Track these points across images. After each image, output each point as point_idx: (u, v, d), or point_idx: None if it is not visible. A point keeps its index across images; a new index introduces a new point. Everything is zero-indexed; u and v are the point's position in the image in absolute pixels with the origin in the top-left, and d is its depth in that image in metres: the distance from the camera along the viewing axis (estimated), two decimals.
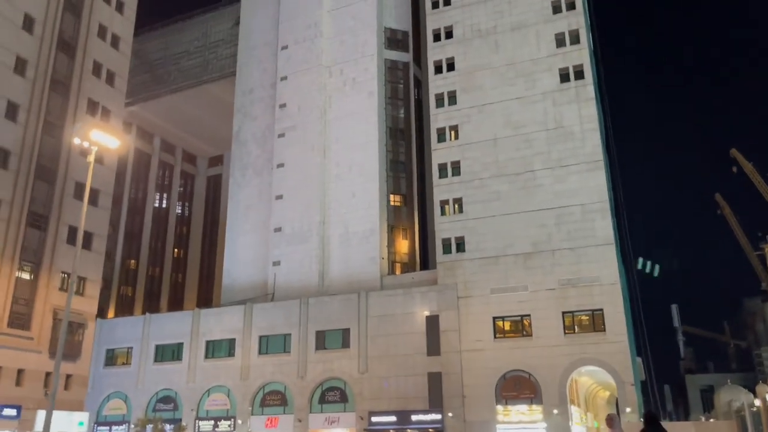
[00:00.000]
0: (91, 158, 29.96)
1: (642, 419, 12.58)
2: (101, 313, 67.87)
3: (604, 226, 46.20)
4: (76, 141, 30.05)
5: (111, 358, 57.51)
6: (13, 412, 37.19)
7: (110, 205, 46.85)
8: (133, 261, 75.59)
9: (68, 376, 41.27)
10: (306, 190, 59.06)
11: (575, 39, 51.17)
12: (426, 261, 57.93)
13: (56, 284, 40.45)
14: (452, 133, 53.25)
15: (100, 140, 29.98)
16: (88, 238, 44.02)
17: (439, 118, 53.91)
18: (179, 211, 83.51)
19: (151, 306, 73.19)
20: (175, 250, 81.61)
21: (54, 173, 41.87)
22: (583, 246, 46.24)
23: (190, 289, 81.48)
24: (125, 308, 72.52)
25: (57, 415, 38.68)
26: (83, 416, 41.44)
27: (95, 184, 44.89)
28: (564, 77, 50.63)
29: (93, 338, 44.76)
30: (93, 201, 44.71)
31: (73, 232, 42.37)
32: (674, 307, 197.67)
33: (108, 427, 54.21)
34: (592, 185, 47.58)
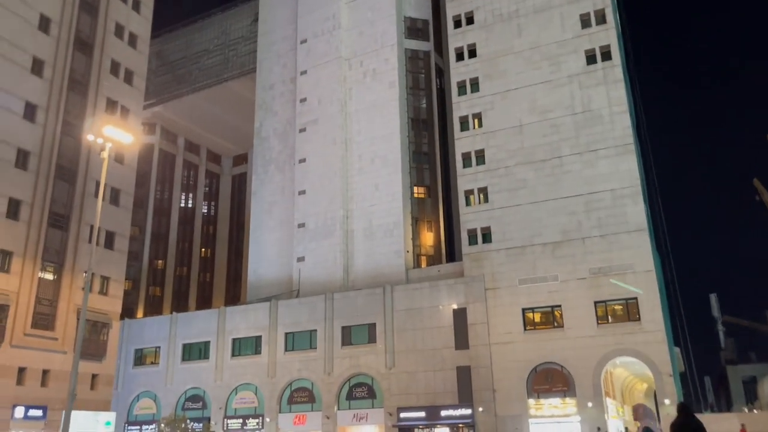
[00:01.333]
0: (105, 154, 29.45)
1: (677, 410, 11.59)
2: (130, 313, 68.45)
3: (637, 212, 44.37)
4: (90, 137, 29.64)
5: (140, 358, 57.65)
6: (39, 413, 37.21)
7: (131, 205, 46.66)
8: (160, 261, 75.93)
9: (94, 376, 41.19)
10: (329, 184, 58.29)
11: (601, 19, 49.30)
12: (452, 253, 56.68)
13: (79, 284, 40.32)
14: (475, 121, 51.85)
15: (114, 136, 29.54)
16: (110, 237, 43.91)
17: (461, 106, 52.56)
18: (205, 211, 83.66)
19: (180, 306, 73.44)
20: (202, 249, 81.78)
21: (74, 173, 41.78)
22: (615, 233, 44.49)
23: (218, 288, 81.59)
24: (154, 308, 72.84)
25: (82, 415, 38.75)
26: (110, 416, 41.33)
27: (115, 183, 44.88)
28: (590, 59, 48.83)
29: (118, 338, 44.59)
30: (114, 200, 44.61)
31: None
32: (713, 297, 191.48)
33: (138, 427, 54.32)
34: (622, 170, 45.76)
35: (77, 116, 41.74)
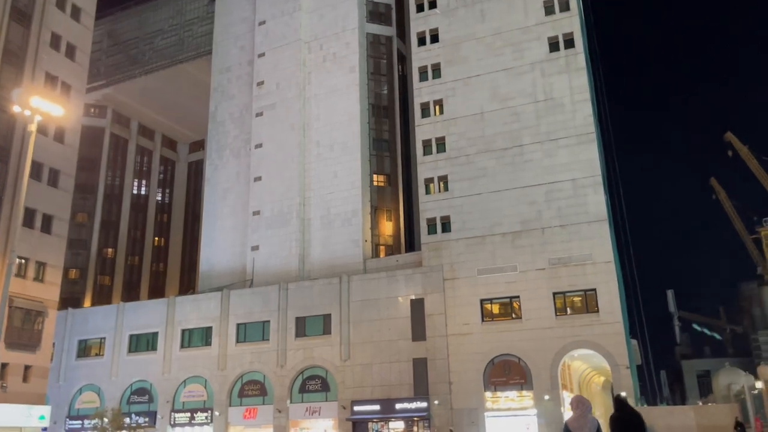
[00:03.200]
0: (33, 127, 27.24)
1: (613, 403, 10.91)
2: (76, 303, 65.46)
3: (597, 202, 43.74)
4: (16, 109, 27.31)
5: (83, 349, 54.91)
6: None
7: (72, 188, 44.09)
8: (110, 250, 72.82)
9: (27, 368, 38.56)
10: (285, 171, 56.35)
11: (565, 6, 48.50)
12: (412, 243, 55.39)
13: (12, 270, 37.57)
14: (437, 107, 50.61)
15: (43, 108, 27.26)
16: (47, 221, 41.26)
17: (422, 92, 51.24)
18: (159, 199, 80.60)
19: (131, 296, 70.51)
20: (156, 238, 78.80)
21: (7, 151, 39.05)
22: (575, 223, 43.79)
23: (172, 278, 78.78)
24: (103, 298, 69.76)
25: (13, 409, 36.31)
26: (44, 410, 38.83)
27: (55, 163, 42.24)
28: (553, 46, 48.00)
29: (54, 327, 41.99)
30: (53, 182, 41.98)
31: (30, 214, 39.63)
32: (670, 293, 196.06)
33: (80, 422, 51.62)
34: (583, 159, 45.08)
35: (12, 90, 38.86)
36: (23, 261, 39.07)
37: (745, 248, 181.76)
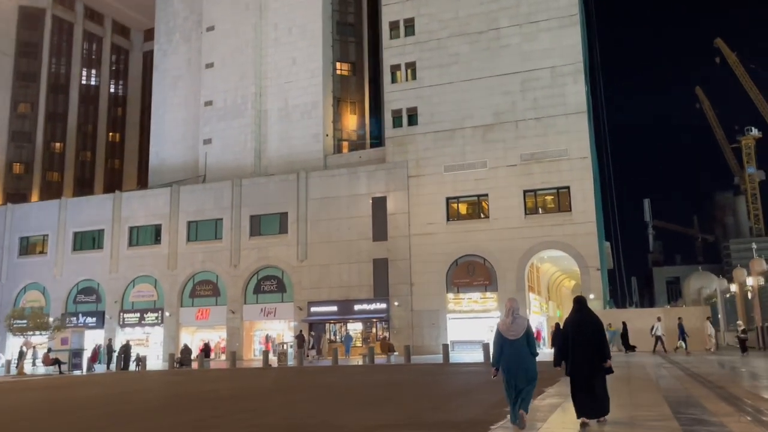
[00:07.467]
0: None
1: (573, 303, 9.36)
2: (23, 199, 61.39)
3: (577, 91, 39.88)
4: None
5: (25, 247, 51.52)
6: None
7: None
8: (58, 144, 67.87)
9: None
10: (240, 56, 51.20)
11: None
12: (379, 139, 51.51)
13: None
14: None
15: None
16: None
17: None
18: (112, 91, 74.76)
19: (84, 193, 66.18)
20: (110, 133, 73.74)
21: None
22: (552, 115, 40.09)
23: (129, 176, 74.47)
24: (52, 195, 65.25)
25: None
26: None
27: None
28: None
29: None
30: None
31: None
32: (646, 202, 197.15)
33: (25, 321, 48.93)
34: (565, 45, 40.75)
35: None
36: None
37: (722, 159, 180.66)
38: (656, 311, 39.23)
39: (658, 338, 30.82)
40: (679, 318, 31.42)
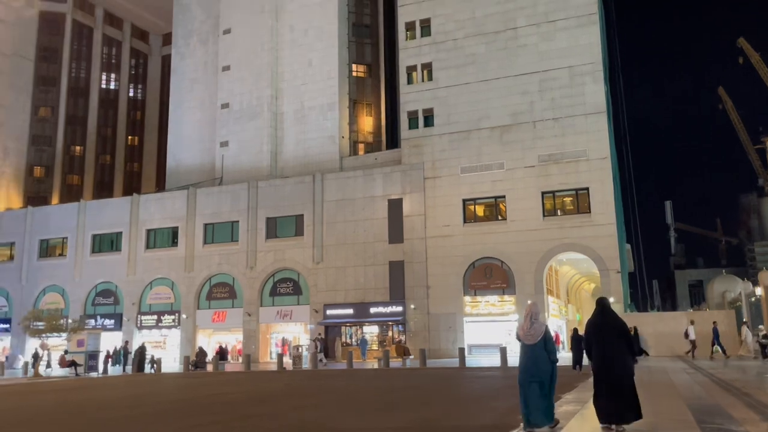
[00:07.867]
0: None
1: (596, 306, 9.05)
2: (43, 202, 62.08)
3: (596, 91, 39.17)
4: None
5: (45, 249, 52.00)
6: None
7: (8, 69, 39.18)
8: (78, 147, 68.52)
9: None
10: (256, 59, 51.22)
11: None
12: (395, 141, 51.15)
13: None
14: None
15: None
16: None
17: None
18: (132, 95, 75.39)
19: (103, 196, 66.74)
20: (129, 137, 74.33)
21: None
22: (570, 115, 39.42)
23: (148, 179, 74.99)
24: (72, 198, 65.78)
25: None
26: None
27: None
28: None
29: None
30: None
31: None
32: (668, 204, 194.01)
33: (42, 323, 49.33)
34: (583, 44, 40.08)
35: None
36: None
37: (746, 161, 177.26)
38: (679, 315, 38.31)
39: (693, 342, 30.04)
40: (714, 322, 30.63)
